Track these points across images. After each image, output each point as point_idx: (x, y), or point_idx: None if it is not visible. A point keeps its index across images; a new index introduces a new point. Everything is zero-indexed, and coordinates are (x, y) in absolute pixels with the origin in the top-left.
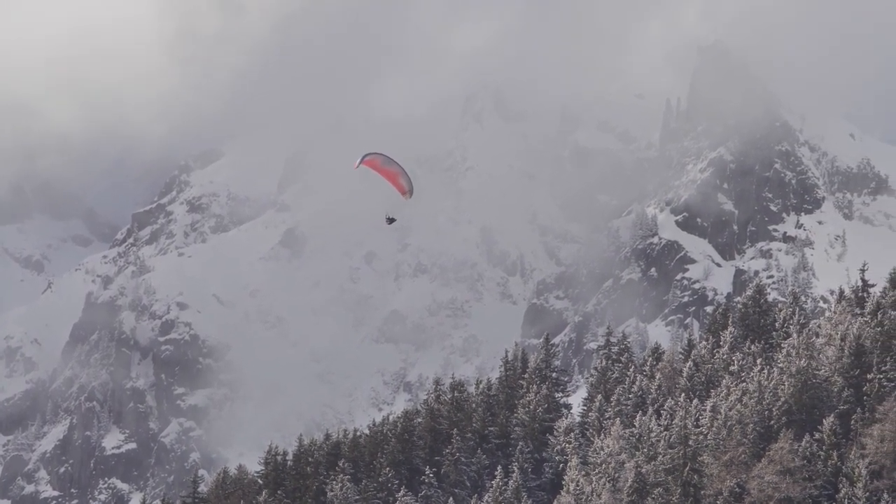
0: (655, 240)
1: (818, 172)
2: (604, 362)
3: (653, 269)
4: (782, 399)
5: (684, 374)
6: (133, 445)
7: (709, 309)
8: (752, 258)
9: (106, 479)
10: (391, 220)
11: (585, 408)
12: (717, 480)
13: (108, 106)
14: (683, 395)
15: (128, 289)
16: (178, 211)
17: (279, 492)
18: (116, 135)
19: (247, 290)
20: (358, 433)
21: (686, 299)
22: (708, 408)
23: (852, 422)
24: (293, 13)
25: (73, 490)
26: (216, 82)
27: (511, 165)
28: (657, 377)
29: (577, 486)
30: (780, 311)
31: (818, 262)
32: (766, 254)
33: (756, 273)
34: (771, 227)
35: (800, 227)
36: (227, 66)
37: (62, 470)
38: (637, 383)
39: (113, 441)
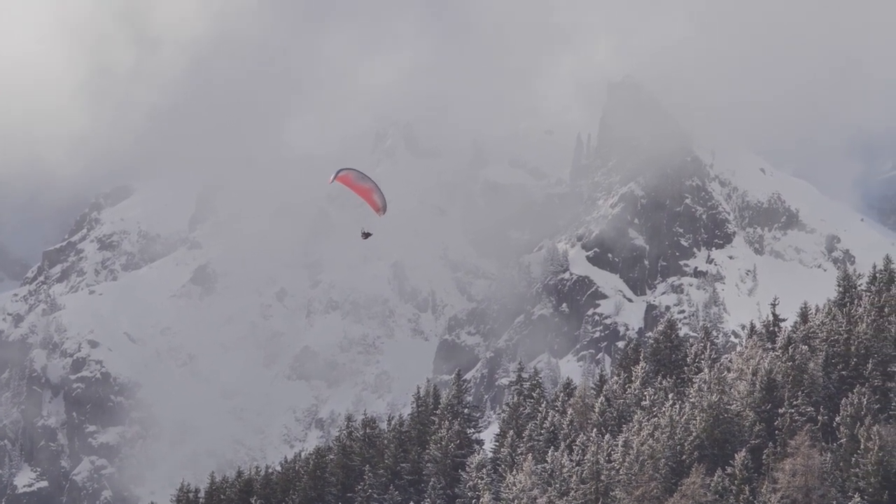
0: (567, 275)
1: (729, 207)
2: (515, 398)
3: (564, 305)
4: (694, 434)
5: (596, 410)
6: (45, 484)
7: (620, 344)
8: (664, 293)
9: None
10: (366, 235)
11: (497, 443)
12: None
13: (20, 143)
14: (595, 430)
15: (38, 327)
16: (88, 248)
17: None
18: (28, 172)
19: (158, 327)
20: (270, 470)
21: (598, 334)
22: (620, 443)
23: (764, 456)
24: (207, 49)
25: None
26: (129, 119)
27: (422, 201)
28: (569, 412)
29: None
30: (692, 345)
31: (729, 297)
32: (677, 289)
33: (667, 308)
34: (682, 262)
35: (711, 262)
36: (141, 103)
37: None
38: (549, 419)
39: (24, 479)
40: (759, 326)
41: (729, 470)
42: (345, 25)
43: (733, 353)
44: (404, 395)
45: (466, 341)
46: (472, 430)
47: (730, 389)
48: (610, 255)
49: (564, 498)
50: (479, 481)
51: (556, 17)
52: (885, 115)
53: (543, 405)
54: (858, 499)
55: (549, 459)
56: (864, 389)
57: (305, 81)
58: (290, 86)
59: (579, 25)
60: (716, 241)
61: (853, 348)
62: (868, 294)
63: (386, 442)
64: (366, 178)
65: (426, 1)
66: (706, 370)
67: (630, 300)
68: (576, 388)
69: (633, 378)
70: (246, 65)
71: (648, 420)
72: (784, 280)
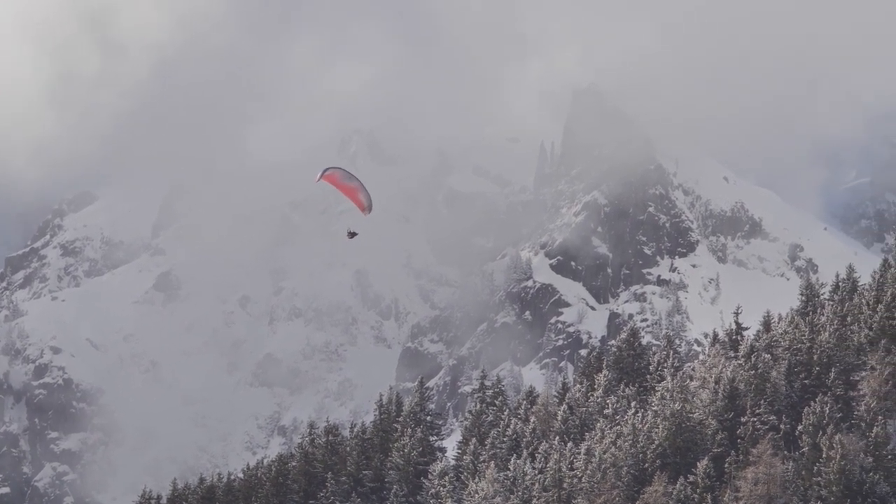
0: (530, 283)
1: (692, 216)
2: (478, 405)
3: (527, 313)
4: (656, 442)
5: (559, 418)
6: (7, 490)
7: (583, 352)
8: (627, 301)
9: None
10: (352, 235)
11: (460, 451)
12: None
13: None
14: (558, 438)
15: (1, 333)
16: (51, 255)
17: None
18: None
19: (120, 334)
20: (232, 477)
21: (560, 342)
22: (582, 451)
23: (726, 465)
24: (172, 55)
25: None
26: (93, 125)
27: (386, 209)
28: (532, 420)
29: None
30: (655, 354)
31: (692, 306)
32: (640, 297)
33: (630, 316)
34: (645, 271)
35: (674, 271)
36: (106, 109)
37: None
38: (511, 426)
39: None
40: (721, 335)
41: (691, 478)
42: (310, 32)
43: (696, 361)
44: (367, 402)
45: (429, 349)
46: (435, 438)
47: (692, 398)
48: (573, 263)
49: None
50: (442, 489)
51: (521, 25)
52: (849, 124)
53: (506, 413)
54: None
55: (511, 467)
56: (826, 398)
57: (270, 88)
58: (254, 92)
59: (545, 33)
60: (679, 249)
61: (816, 357)
62: (831, 303)
63: (348, 449)
64: (352, 178)
65: (391, 8)
66: (669, 378)
67: (593, 308)
68: (538, 395)
69: (595, 386)
70: (210, 71)
71: (611, 428)
72: (747, 289)
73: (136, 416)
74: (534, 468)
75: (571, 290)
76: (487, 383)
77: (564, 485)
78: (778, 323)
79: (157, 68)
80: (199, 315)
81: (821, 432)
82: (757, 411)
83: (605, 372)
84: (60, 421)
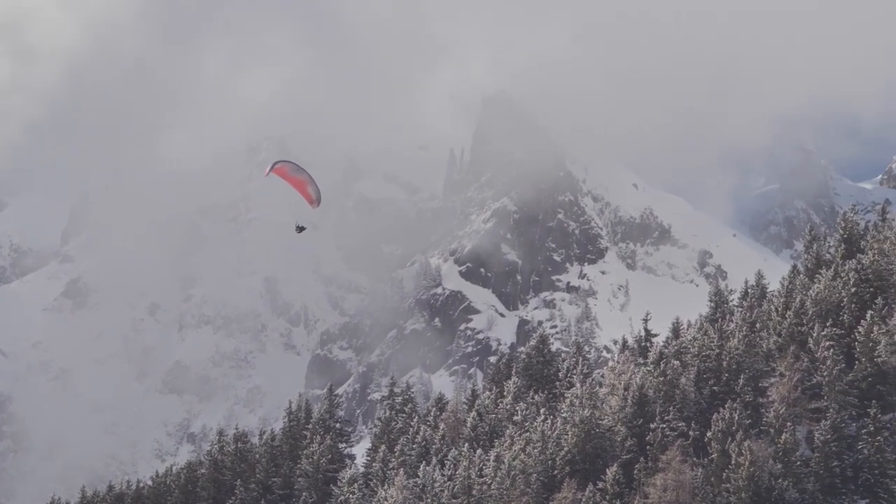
0: (439, 290)
1: (601, 222)
2: (388, 412)
3: (437, 320)
4: (566, 448)
5: (468, 424)
6: None
7: (492, 359)
8: (536, 308)
9: None
10: (300, 229)
11: (369, 458)
12: None
13: None
14: (467, 444)
15: None
16: None
17: None
18: None
19: (29, 341)
20: (141, 484)
21: (470, 349)
22: (491, 457)
23: (635, 471)
24: (83, 61)
25: None
26: (3, 132)
27: (295, 216)
28: (441, 427)
29: None
30: (564, 360)
31: (601, 312)
32: (549, 304)
33: (539, 323)
34: (554, 277)
35: (583, 277)
36: (15, 116)
37: None
38: (421, 433)
39: None
40: (631, 341)
41: (600, 485)
42: (221, 39)
43: (605, 368)
44: (276, 409)
45: (339, 356)
46: (344, 445)
47: (601, 404)
48: (482, 269)
49: None
50: (351, 496)
51: (432, 31)
52: (758, 130)
53: (415, 420)
54: None
55: (420, 474)
56: (735, 405)
57: (181, 95)
58: (165, 99)
59: (456, 39)
60: (588, 256)
61: (725, 363)
62: (740, 309)
63: (258, 456)
64: (301, 171)
65: (302, 14)
66: (578, 385)
67: (502, 315)
68: (448, 402)
69: (505, 393)
70: (121, 77)
71: (520, 435)
72: (656, 295)
73: (46, 423)
74: (443, 475)
75: (481, 296)
76: (397, 390)
77: (474, 491)
78: (687, 329)
79: (67, 74)
80: (108, 322)
81: (730, 439)
82: (666, 418)
83: (514, 379)
84: None
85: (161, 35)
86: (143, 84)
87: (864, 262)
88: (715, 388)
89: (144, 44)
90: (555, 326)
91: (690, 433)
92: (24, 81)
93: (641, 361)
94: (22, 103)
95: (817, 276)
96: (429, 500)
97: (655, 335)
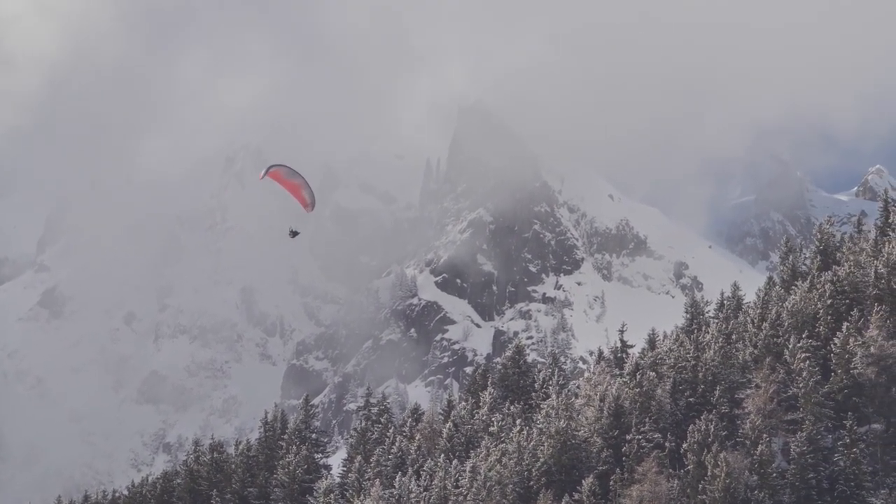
0: (415, 300)
1: (577, 233)
2: (364, 423)
3: (412, 330)
4: (542, 460)
5: (444, 435)
6: None
7: (468, 370)
8: (512, 319)
9: None
10: (294, 234)
11: (345, 468)
12: None
13: None
14: (443, 455)
15: None
16: None
17: None
18: None
19: (6, 350)
20: (117, 494)
21: (446, 360)
22: (467, 468)
23: (611, 482)
24: (61, 69)
25: None
26: None
27: (271, 226)
28: (417, 438)
29: None
30: (540, 371)
31: (577, 323)
32: (525, 314)
33: (515, 334)
34: (530, 288)
35: (559, 288)
36: None
37: None
38: (397, 444)
39: None
40: (606, 352)
41: (576, 496)
42: (199, 46)
43: (581, 379)
44: (252, 419)
45: (315, 366)
46: (320, 455)
47: (577, 415)
48: (458, 280)
49: None
50: None
51: (410, 39)
52: (734, 140)
53: (391, 430)
54: None
55: (396, 485)
56: (711, 416)
57: (159, 102)
58: (143, 107)
59: (433, 48)
60: (564, 267)
61: (701, 375)
62: (715, 321)
63: (233, 466)
64: (295, 175)
65: (281, 23)
66: (554, 396)
67: (478, 326)
68: (424, 413)
69: (480, 404)
70: (100, 85)
71: (496, 446)
72: (632, 306)
73: (22, 432)
74: (419, 486)
75: (457, 307)
76: (373, 400)
77: (449, 502)
78: (663, 341)
79: (46, 82)
80: (84, 332)
81: (706, 450)
82: (642, 429)
83: (490, 389)
84: None
85: (140, 43)
86: (121, 91)
87: (839, 273)
88: (691, 399)
89: (123, 52)
90: (531, 337)
91: (666, 444)
92: (3, 88)
93: (617, 372)
94: (0, 111)
95: (793, 287)
96: None
97: (631, 346)
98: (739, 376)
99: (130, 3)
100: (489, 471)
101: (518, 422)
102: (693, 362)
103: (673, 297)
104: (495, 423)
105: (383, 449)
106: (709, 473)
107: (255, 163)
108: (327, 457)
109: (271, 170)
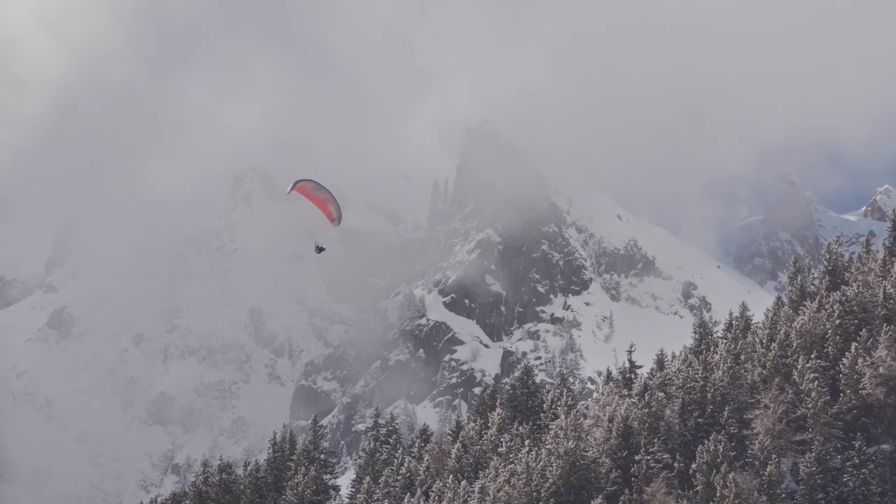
0: (424, 321)
1: (585, 254)
2: (372, 444)
3: (421, 351)
4: (550, 480)
5: (453, 456)
6: None
7: (477, 390)
8: (520, 339)
9: None
10: (320, 249)
11: (354, 489)
12: None
13: None
14: (452, 476)
15: None
16: None
17: None
18: None
19: (14, 371)
20: None
21: (454, 380)
22: (476, 489)
23: (620, 503)
24: (69, 90)
25: None
26: None
27: (279, 246)
28: (425, 459)
29: None
30: (548, 392)
31: (586, 344)
32: (533, 335)
33: (524, 354)
34: (539, 309)
35: (567, 309)
36: (1, 143)
37: None
38: (405, 465)
39: None
40: (615, 373)
41: None
42: (206, 67)
43: (590, 399)
44: (261, 440)
45: (323, 387)
46: (329, 476)
47: (586, 436)
48: (467, 300)
49: None
50: None
51: (419, 60)
52: (743, 159)
53: (400, 451)
54: None
55: None
56: (719, 437)
57: (166, 124)
58: (151, 128)
59: (441, 68)
60: (572, 287)
61: (709, 395)
62: (724, 341)
63: (242, 487)
64: (322, 189)
65: (288, 43)
66: (563, 416)
67: (487, 346)
68: (432, 434)
69: (489, 424)
70: (108, 107)
71: (505, 466)
72: (640, 326)
73: (30, 453)
74: None
75: (465, 327)
76: (381, 421)
77: None
78: (671, 361)
79: (54, 103)
80: (92, 353)
81: (714, 471)
82: (651, 450)
83: (498, 410)
84: None
85: (147, 64)
86: (128, 113)
87: (848, 293)
88: (699, 419)
89: (131, 73)
90: (539, 358)
91: (675, 465)
92: (11, 110)
93: (626, 393)
94: (8, 132)
95: (802, 307)
96: None
97: (640, 367)
98: (748, 397)
99: (138, 24)
100: (498, 492)
101: (527, 442)
102: (702, 383)
103: (681, 317)
104: (504, 443)
105: (392, 470)
106: (718, 494)
107: (263, 183)
108: (336, 478)
109: (298, 184)
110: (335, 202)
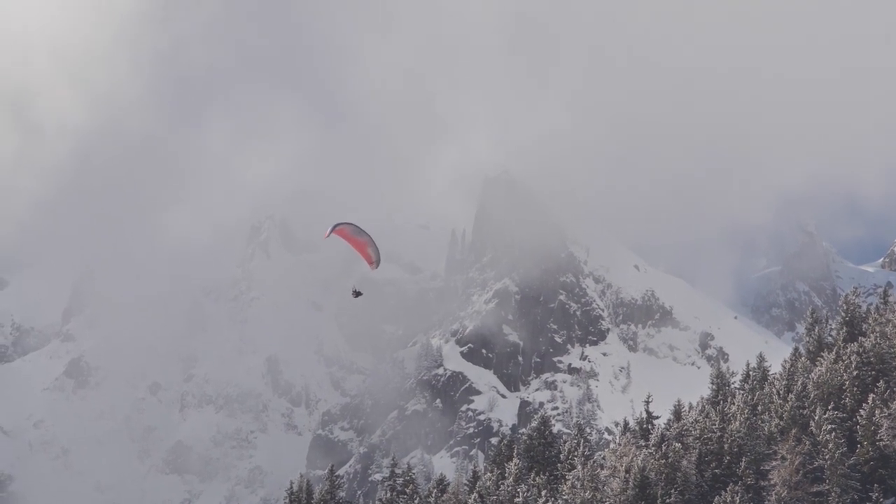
0: (441, 371)
1: (603, 304)
2: (389, 494)
3: (438, 400)
4: None
5: None
6: None
7: (494, 440)
8: (537, 389)
9: None
10: (357, 294)
11: None
12: None
13: None
14: None
15: None
16: None
17: None
18: None
19: (31, 420)
20: None
21: (471, 430)
22: None
23: None
24: (89, 138)
25: None
26: (8, 209)
27: (297, 295)
28: None
29: None
30: (565, 442)
31: (603, 394)
32: (550, 385)
33: (541, 404)
34: (556, 359)
35: (585, 359)
36: (22, 193)
37: None
38: None
39: None
40: (632, 423)
41: None
42: (225, 116)
43: (607, 450)
44: (278, 490)
45: (340, 436)
46: None
47: (603, 486)
48: (484, 350)
49: None
50: None
51: (437, 108)
52: (760, 209)
53: (417, 501)
54: None
55: None
56: (737, 488)
57: (185, 172)
58: (169, 177)
59: (460, 116)
60: (590, 337)
61: (726, 446)
62: (741, 392)
63: None
64: (362, 233)
65: (307, 92)
66: (579, 467)
67: (504, 396)
68: (449, 484)
69: (506, 475)
70: (127, 155)
71: None
72: (658, 377)
73: (47, 502)
74: None
75: (482, 377)
76: (398, 471)
77: None
78: (688, 412)
79: (73, 152)
80: (109, 402)
81: None
82: (668, 501)
83: (515, 460)
84: None
85: (166, 113)
86: (147, 161)
87: (865, 345)
88: (717, 470)
89: (150, 122)
90: (556, 408)
91: None
92: (30, 158)
93: (643, 443)
94: (27, 180)
95: (819, 358)
96: None
97: (657, 417)
98: (765, 448)
99: (158, 73)
100: None
101: (543, 493)
102: (719, 433)
103: (699, 367)
104: (521, 494)
105: None
106: None
107: (281, 233)
108: None
109: (338, 227)
110: (374, 245)
